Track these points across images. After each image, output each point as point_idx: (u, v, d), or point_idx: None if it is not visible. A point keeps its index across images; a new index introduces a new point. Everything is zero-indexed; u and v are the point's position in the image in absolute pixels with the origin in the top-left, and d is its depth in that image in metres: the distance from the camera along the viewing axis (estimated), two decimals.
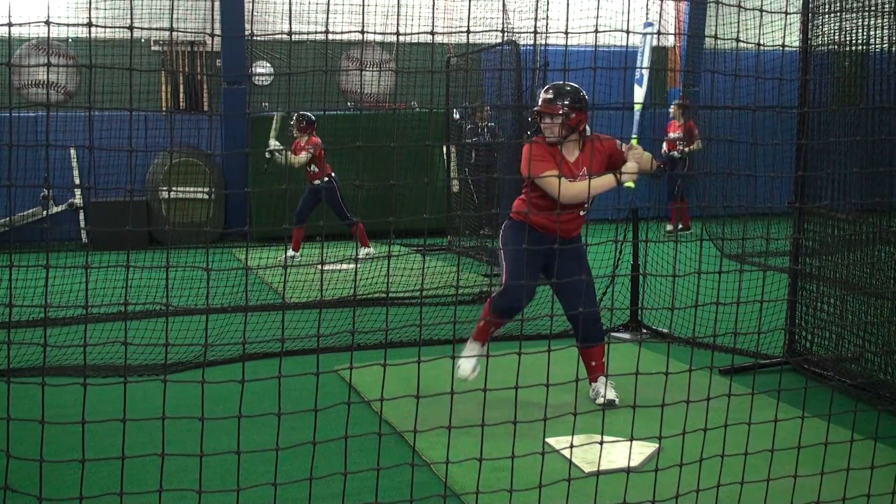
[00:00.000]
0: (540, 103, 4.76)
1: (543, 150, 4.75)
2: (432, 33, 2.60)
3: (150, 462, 2.67)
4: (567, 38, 2.79)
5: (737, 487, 3.05)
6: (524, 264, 4.74)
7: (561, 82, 4.85)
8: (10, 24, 2.35)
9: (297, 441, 2.84)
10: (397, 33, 2.42)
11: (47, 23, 2.22)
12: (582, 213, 4.83)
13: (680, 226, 12.26)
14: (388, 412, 4.48)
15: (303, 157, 9.73)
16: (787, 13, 3.18)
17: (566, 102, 4.68)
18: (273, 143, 9.94)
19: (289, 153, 9.83)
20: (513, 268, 4.80)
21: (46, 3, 11.06)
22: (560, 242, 4.73)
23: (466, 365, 4.86)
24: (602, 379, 4.92)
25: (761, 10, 2.99)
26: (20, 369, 5.27)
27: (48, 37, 11.66)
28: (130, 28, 2.19)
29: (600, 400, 4.82)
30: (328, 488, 3.04)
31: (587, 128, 4.85)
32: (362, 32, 2.27)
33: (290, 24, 2.24)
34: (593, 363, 4.91)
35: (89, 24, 2.26)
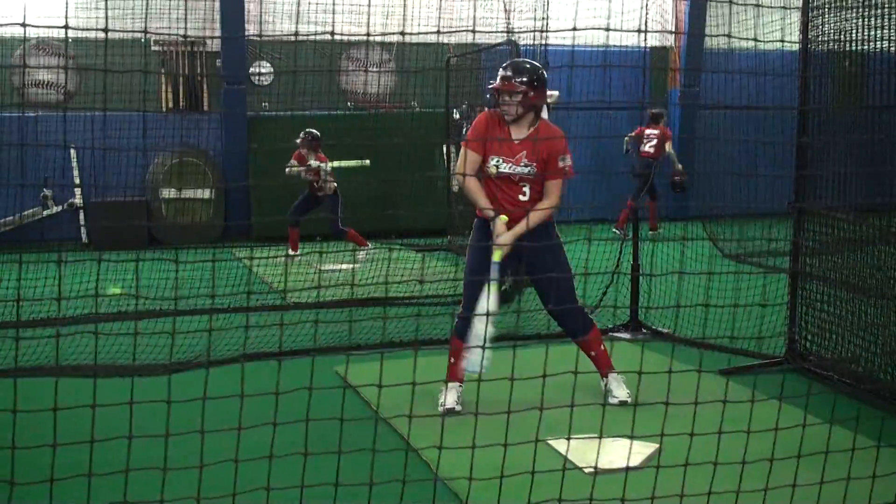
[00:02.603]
0: (498, 80, 4.66)
1: (486, 125, 4.70)
2: (438, 32, 2.59)
3: (154, 449, 2.68)
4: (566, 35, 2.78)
5: (734, 485, 3.05)
6: (477, 287, 4.61)
7: (521, 59, 4.82)
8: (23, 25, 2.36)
9: (294, 439, 2.85)
10: (399, 33, 2.41)
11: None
12: (522, 197, 4.68)
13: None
14: (387, 412, 4.47)
15: (324, 167, 9.79)
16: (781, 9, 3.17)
17: (524, 79, 4.60)
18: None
19: (321, 166, 9.85)
20: (467, 292, 4.74)
21: (49, 3, 11.07)
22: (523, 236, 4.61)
23: (449, 399, 4.72)
24: (613, 375, 4.89)
25: (758, 5, 2.98)
26: (28, 368, 5.29)
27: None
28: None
29: (612, 400, 4.80)
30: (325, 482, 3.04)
31: (545, 108, 4.80)
32: (367, 35, 2.26)
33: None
34: (592, 353, 4.85)
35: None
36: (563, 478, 3.03)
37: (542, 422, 3.03)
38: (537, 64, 4.79)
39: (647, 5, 11.88)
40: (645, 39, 11.71)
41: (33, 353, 5.43)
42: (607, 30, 3.44)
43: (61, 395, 2.61)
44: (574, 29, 3.02)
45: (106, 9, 2.39)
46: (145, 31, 2.63)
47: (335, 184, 9.82)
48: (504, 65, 4.76)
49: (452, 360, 4.78)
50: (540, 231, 4.65)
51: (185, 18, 11.43)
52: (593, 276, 7.07)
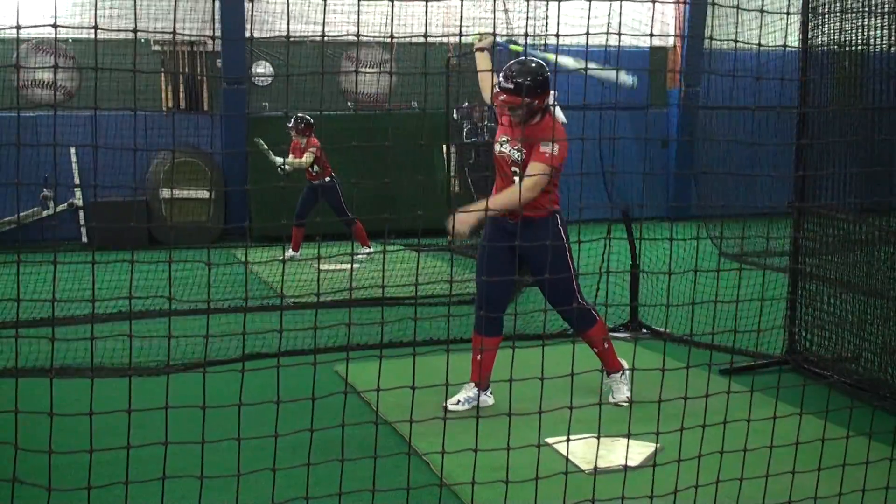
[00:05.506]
0: (499, 89, 4.46)
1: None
2: (426, 35, 2.59)
3: (153, 454, 2.69)
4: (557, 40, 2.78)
5: (735, 486, 3.05)
6: (496, 266, 4.64)
7: (522, 63, 4.52)
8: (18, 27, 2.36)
9: (294, 444, 2.85)
10: (394, 36, 2.41)
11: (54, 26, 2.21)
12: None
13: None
14: (387, 412, 4.47)
15: (308, 158, 9.76)
16: (785, 14, 3.18)
17: (524, 91, 4.33)
18: (278, 160, 9.91)
19: (292, 158, 9.85)
20: (484, 292, 4.73)
21: (49, 3, 11.07)
22: (516, 226, 4.46)
23: (461, 398, 4.78)
24: (615, 376, 4.92)
25: (761, 11, 2.98)
26: (27, 370, 5.28)
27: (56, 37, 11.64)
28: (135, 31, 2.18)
29: (610, 400, 4.84)
30: (326, 484, 3.04)
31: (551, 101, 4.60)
32: (361, 36, 2.26)
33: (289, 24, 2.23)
34: (595, 350, 4.87)
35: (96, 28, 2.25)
36: (560, 477, 3.03)
37: (543, 422, 3.03)
38: (537, 67, 4.51)
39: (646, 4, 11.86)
40: (651, 40, 11.68)
41: (36, 354, 5.43)
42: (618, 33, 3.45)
43: (61, 396, 2.61)
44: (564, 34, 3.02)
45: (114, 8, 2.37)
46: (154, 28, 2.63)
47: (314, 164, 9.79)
48: (503, 72, 4.49)
49: (479, 357, 4.75)
50: (539, 226, 4.50)
51: (180, 17, 11.42)
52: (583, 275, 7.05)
